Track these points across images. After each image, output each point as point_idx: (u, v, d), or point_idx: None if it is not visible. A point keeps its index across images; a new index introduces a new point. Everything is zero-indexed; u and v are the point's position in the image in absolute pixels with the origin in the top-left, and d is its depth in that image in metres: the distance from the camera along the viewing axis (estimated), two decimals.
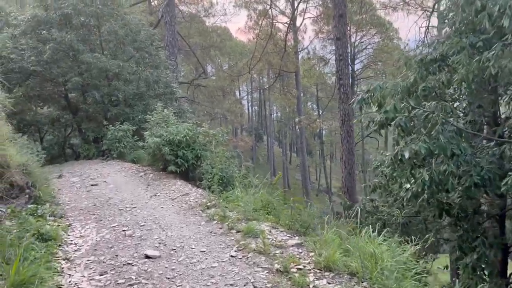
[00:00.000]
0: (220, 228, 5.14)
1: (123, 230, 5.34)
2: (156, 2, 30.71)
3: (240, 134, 66.39)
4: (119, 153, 11.50)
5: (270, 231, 4.87)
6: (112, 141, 11.58)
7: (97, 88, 13.29)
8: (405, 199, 7.81)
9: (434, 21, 24.66)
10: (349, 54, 40.32)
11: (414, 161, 6.54)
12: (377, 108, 7.03)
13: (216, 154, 8.53)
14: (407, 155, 6.19)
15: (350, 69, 33.23)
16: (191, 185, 8.10)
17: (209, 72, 41.14)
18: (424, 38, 22.63)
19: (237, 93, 60.29)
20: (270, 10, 32.70)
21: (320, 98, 52.63)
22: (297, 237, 4.70)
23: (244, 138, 38.86)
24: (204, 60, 36.80)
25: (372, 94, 6.48)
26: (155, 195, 7.36)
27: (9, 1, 24.96)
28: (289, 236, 4.70)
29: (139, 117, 12.56)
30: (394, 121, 6.74)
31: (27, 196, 6.34)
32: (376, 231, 4.40)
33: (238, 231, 4.89)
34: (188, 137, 8.60)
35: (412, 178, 6.81)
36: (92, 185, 8.61)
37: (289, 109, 55.58)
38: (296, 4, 33.24)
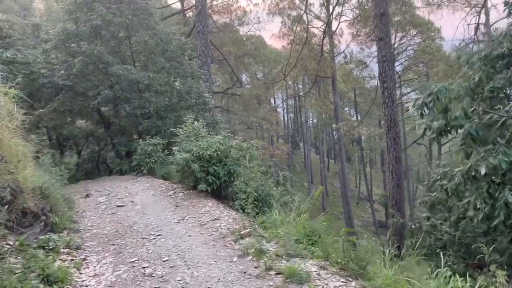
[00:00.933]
0: (256, 268, 4.21)
1: (143, 267, 4.54)
2: (191, 13, 30.63)
3: (276, 142, 65.47)
4: (149, 169, 10.89)
5: (318, 273, 3.89)
6: (142, 156, 11.00)
7: (128, 100, 12.84)
8: (475, 220, 6.58)
9: (483, 18, 22.82)
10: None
11: (492, 177, 5.36)
12: (440, 113, 5.91)
13: (250, 169, 7.67)
14: (483, 170, 5.05)
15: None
16: (223, 206, 7.24)
17: (244, 80, 40.64)
18: (474, 35, 20.91)
19: (272, 101, 59.72)
20: (304, 15, 31.82)
21: (358, 103, 50.85)
22: (353, 283, 3.69)
23: (280, 146, 37.79)
24: (239, 69, 36.32)
25: (436, 98, 5.37)
26: (183, 219, 6.55)
27: (49, 19, 25.59)
28: (343, 282, 3.70)
29: (171, 129, 11.94)
30: (463, 129, 5.60)
31: (42, 223, 5.71)
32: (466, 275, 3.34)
33: (278, 273, 3.95)
34: (219, 152, 7.77)
35: (489, 198, 5.60)
36: (118, 206, 7.95)
37: (326, 115, 54.10)
38: (331, 8, 32.08)
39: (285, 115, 73.29)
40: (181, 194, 8.20)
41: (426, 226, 8.93)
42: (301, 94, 50.17)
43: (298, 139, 71.54)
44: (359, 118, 54.69)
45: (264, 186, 7.50)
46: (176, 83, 13.09)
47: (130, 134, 14.23)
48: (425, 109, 5.62)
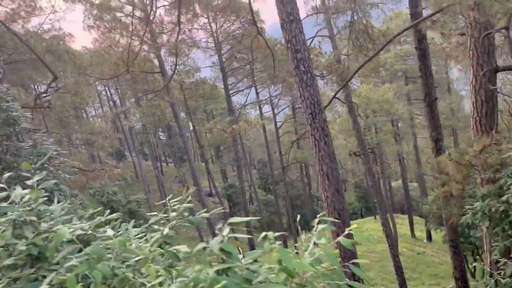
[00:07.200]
0: None
1: None
2: None
3: (98, 160, 55.62)
4: None
5: None
6: None
7: None
8: None
9: None
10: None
11: None
12: None
13: None
14: None
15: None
16: None
17: (49, 89, 31.16)
18: None
19: (90, 111, 50.52)
20: (113, 1, 25.37)
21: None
22: None
23: (118, 165, 30.35)
24: (40, 72, 27.42)
25: None
26: None
27: None
28: None
29: None
30: None
31: None
32: None
33: None
34: None
35: None
36: None
37: (155, 118, 48.06)
38: None
39: (103, 124, 63.40)
40: None
41: None
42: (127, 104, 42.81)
43: (122, 149, 63.64)
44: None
45: None
46: None
47: None
48: None
